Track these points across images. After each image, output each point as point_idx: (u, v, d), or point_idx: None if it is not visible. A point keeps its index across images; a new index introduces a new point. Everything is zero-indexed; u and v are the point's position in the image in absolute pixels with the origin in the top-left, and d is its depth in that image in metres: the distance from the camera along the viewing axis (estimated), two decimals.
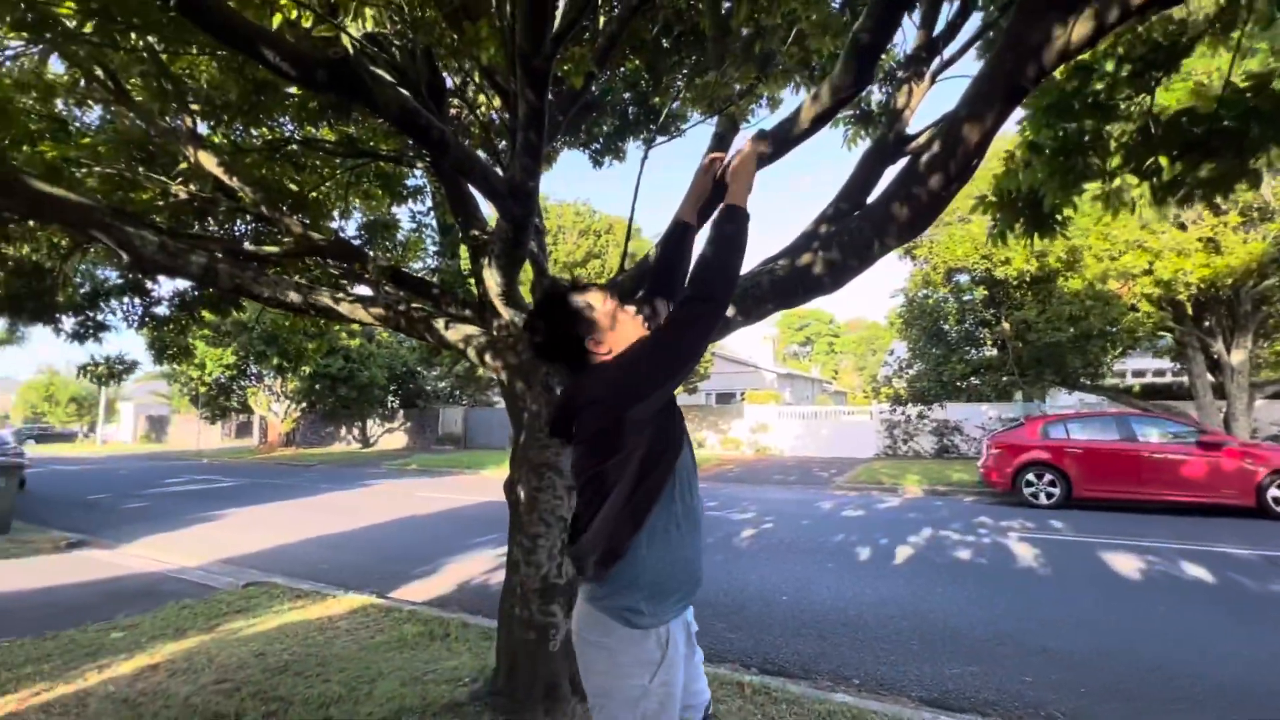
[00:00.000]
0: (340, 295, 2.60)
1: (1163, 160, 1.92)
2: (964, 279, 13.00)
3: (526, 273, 3.11)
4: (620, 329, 1.46)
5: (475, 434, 27.58)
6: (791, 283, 2.38)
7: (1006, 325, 11.96)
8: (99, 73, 3.12)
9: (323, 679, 3.25)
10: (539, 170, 2.08)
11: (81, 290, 4.55)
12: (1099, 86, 1.92)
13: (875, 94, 3.58)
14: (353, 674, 3.30)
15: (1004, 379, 12.70)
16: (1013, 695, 3.29)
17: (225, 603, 4.89)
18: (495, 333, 2.88)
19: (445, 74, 3.35)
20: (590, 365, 1.45)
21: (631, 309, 1.56)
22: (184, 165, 3.15)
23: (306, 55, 1.50)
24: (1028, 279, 11.32)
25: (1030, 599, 4.91)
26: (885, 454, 18.10)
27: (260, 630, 4.14)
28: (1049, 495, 9.07)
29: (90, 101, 3.59)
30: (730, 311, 2.50)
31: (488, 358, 2.80)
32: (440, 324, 2.76)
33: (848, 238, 2.22)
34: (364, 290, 3.56)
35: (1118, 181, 1.99)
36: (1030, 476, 9.23)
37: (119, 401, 43.89)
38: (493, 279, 2.40)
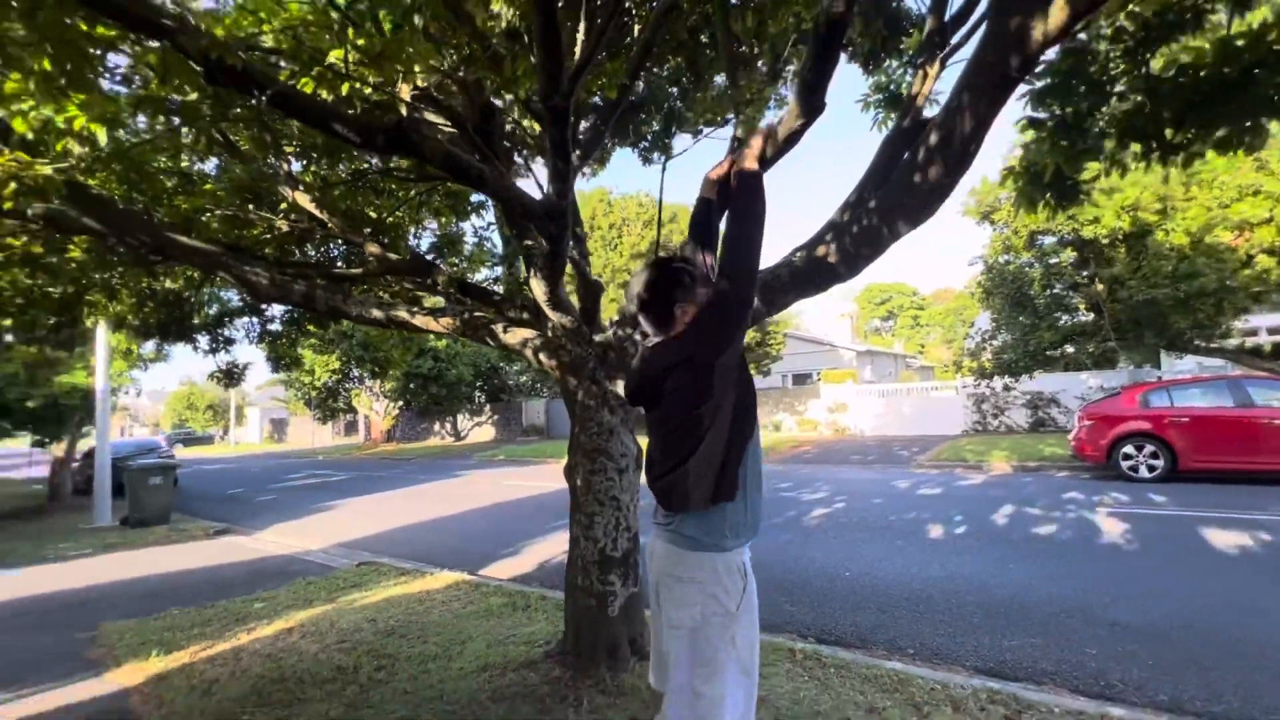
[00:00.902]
0: (415, 310, 3.03)
1: (1168, 130, 1.94)
2: (1048, 241, 12.13)
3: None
4: (698, 300, 1.71)
5: (557, 424, 28.68)
6: (808, 273, 2.55)
7: (1099, 286, 11.08)
8: (214, 133, 3.70)
9: (422, 641, 3.75)
10: (570, 192, 2.36)
11: (211, 313, 5.34)
12: (1093, 69, 1.95)
13: (908, 77, 3.59)
14: (447, 637, 3.78)
15: (1102, 345, 11.80)
16: (1073, 666, 3.29)
17: (343, 579, 5.61)
18: (550, 334, 3.21)
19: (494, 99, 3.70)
20: (672, 329, 1.71)
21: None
22: (284, 205, 3.69)
23: (368, 125, 1.85)
24: (1120, 236, 10.42)
25: (1109, 574, 4.74)
26: (974, 430, 17.27)
27: (371, 601, 4.76)
28: (1150, 468, 8.46)
29: (208, 155, 4.22)
30: (755, 304, 2.69)
31: (543, 357, 3.14)
32: (499, 329, 3.13)
33: (857, 229, 2.36)
34: (438, 302, 4.01)
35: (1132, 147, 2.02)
36: (1129, 449, 8.63)
37: (246, 407, 48.96)
38: (539, 288, 2.73)
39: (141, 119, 2.98)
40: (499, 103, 3.41)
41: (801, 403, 21.40)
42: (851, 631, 3.94)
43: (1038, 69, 1.97)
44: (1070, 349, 12.30)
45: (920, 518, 7.10)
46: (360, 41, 1.82)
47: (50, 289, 3.89)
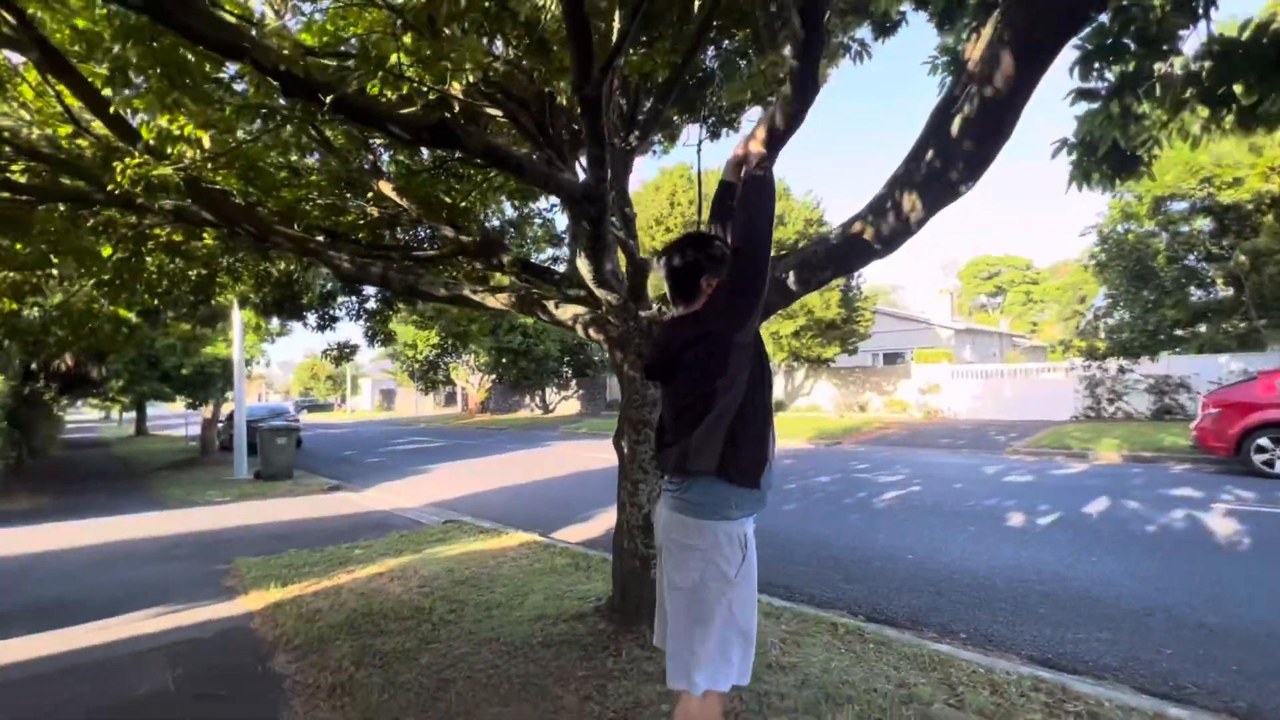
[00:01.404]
0: (477, 288, 3.30)
1: (1237, 88, 1.77)
2: (1178, 208, 10.71)
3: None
4: (723, 276, 1.79)
5: None
6: (844, 250, 2.54)
7: (1241, 258, 9.72)
8: (312, 131, 4.14)
9: (490, 590, 4.13)
10: (605, 176, 2.49)
11: (317, 293, 6.00)
12: (1143, 23, 1.79)
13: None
14: (512, 589, 4.14)
15: (1244, 325, 10.39)
16: (1141, 664, 3.11)
17: (430, 534, 6.19)
18: (601, 310, 3.39)
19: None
20: (693, 305, 1.80)
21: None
22: (371, 194, 4.09)
23: (415, 123, 2.07)
24: (1268, 201, 9.04)
25: (1210, 575, 4.34)
26: (1086, 415, 15.82)
27: (451, 554, 5.25)
28: None
29: (308, 151, 4.71)
30: (791, 280, 2.72)
31: (592, 331, 3.32)
32: (552, 305, 3.35)
33: (891, 204, 2.33)
34: (504, 280, 4.29)
35: (1185, 116, 1.86)
36: (1263, 441, 7.67)
37: (360, 378, 53.48)
38: (584, 267, 2.89)
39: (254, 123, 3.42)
40: (551, 91, 3.58)
41: (891, 383, 20.49)
42: (904, 612, 3.90)
43: (1083, 33, 1.85)
44: (1203, 328, 10.91)
45: (1001, 505, 6.74)
46: (407, 40, 2.03)
47: (189, 272, 4.55)
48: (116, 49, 1.88)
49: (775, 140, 2.40)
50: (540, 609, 3.70)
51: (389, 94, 2.35)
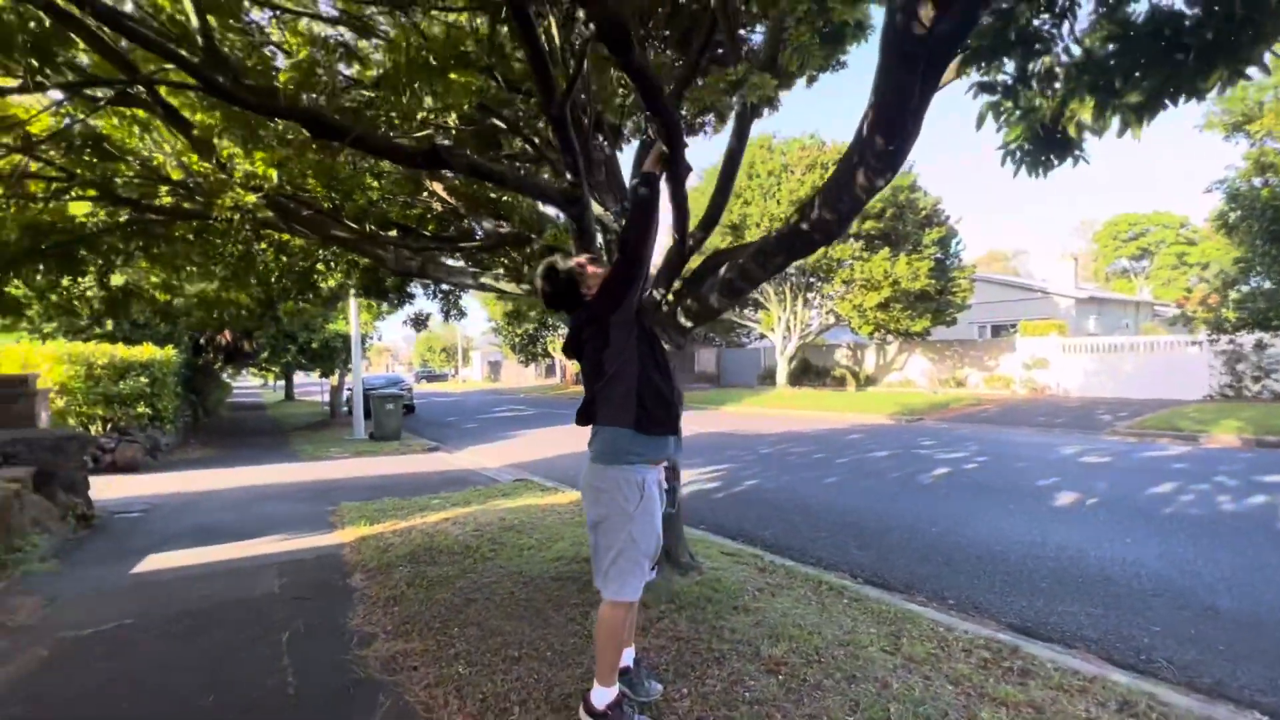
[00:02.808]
0: (500, 274, 3.86)
1: (1116, 83, 1.87)
2: None
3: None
4: (596, 277, 2.31)
5: (728, 372, 29.32)
6: (789, 238, 2.79)
7: None
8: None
9: (529, 536, 4.79)
10: (581, 180, 2.90)
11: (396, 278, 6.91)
12: (1021, 23, 1.90)
13: None
14: (546, 536, 4.77)
15: None
16: (1120, 638, 3.14)
17: (500, 490, 7.02)
18: None
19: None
20: (584, 302, 2.32)
21: (598, 265, 2.39)
22: (425, 194, 4.76)
23: (407, 151, 2.59)
24: None
25: (1253, 562, 4.09)
26: (1223, 395, 14.08)
27: (510, 507, 6.00)
28: None
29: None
30: (751, 268, 3.00)
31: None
32: None
33: (827, 198, 2.56)
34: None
35: (1074, 105, 1.96)
36: None
37: (470, 350, 57.56)
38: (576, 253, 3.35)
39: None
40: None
41: (992, 357, 19.19)
42: (902, 578, 4.07)
43: (968, 38, 1.98)
44: None
45: (1056, 484, 6.47)
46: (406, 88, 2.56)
47: (293, 267, 5.51)
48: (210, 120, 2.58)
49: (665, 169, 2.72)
50: (561, 553, 4.29)
51: (403, 125, 2.91)
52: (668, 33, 4.20)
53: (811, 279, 20.60)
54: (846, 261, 18.50)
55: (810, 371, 23.48)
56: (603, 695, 2.16)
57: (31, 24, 2.13)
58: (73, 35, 2.26)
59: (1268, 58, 1.77)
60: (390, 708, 2.46)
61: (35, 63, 2.15)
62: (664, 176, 2.39)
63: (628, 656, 2.39)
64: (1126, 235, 43.04)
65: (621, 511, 2.13)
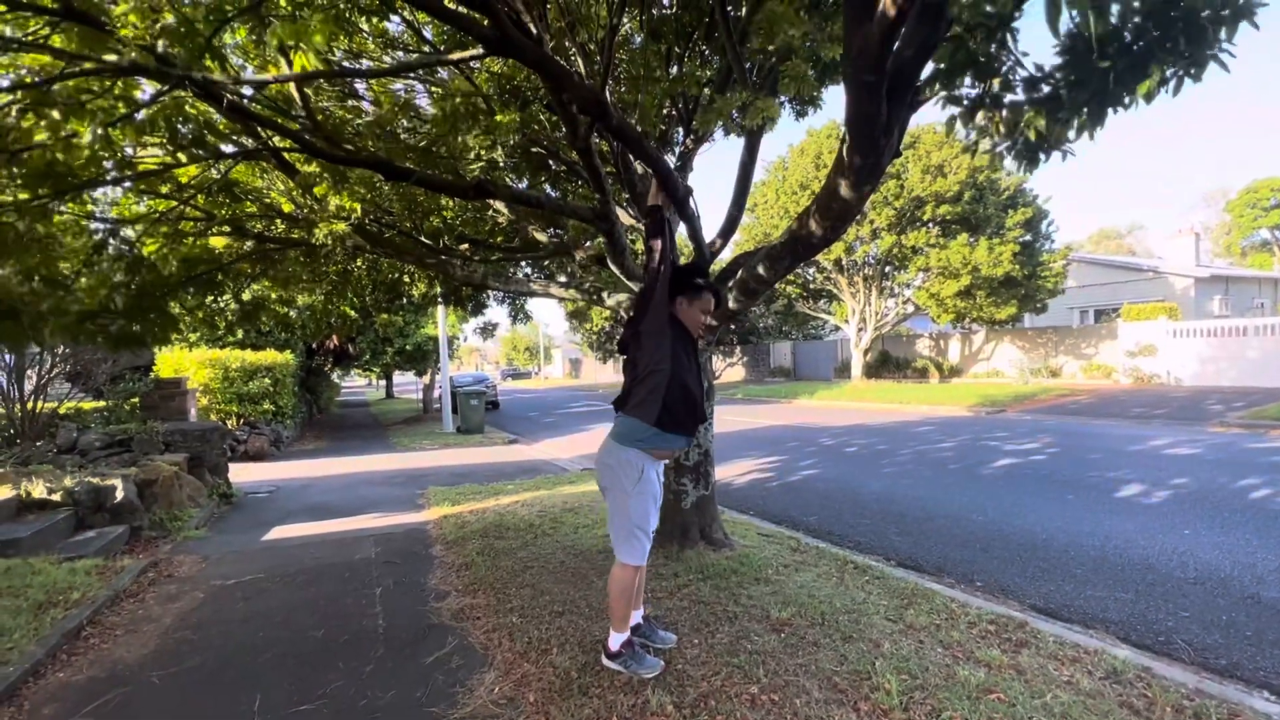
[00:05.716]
0: (546, 282, 4.35)
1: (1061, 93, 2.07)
2: None
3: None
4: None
5: (803, 366, 28.87)
6: (792, 243, 3.08)
7: None
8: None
9: (586, 516, 5.30)
10: (608, 200, 3.32)
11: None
12: (972, 48, 2.10)
13: None
14: (601, 516, 5.26)
15: None
16: (1144, 621, 3.19)
17: (566, 479, 7.62)
18: (633, 297, 4.24)
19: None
20: None
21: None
22: (491, 211, 5.36)
23: (461, 185, 3.11)
24: None
25: None
26: None
27: (572, 492, 6.56)
28: None
29: None
30: (762, 270, 3.31)
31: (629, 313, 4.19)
32: (605, 294, 4.28)
33: (814, 205, 2.84)
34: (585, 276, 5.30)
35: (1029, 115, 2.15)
36: None
37: (552, 349, 59.67)
38: (614, 265, 3.76)
39: None
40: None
41: (1091, 344, 17.85)
42: (933, 561, 4.21)
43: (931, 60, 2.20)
44: None
45: (1125, 476, 6.21)
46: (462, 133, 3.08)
47: (384, 280, 6.31)
48: (310, 169, 3.23)
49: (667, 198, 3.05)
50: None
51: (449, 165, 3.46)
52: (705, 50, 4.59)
53: (886, 268, 19.98)
54: (922, 249, 17.82)
55: (890, 363, 22.74)
56: (617, 639, 2.59)
57: (190, 109, 2.82)
58: (219, 117, 2.96)
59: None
60: (457, 645, 3.02)
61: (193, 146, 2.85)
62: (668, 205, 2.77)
63: (636, 616, 2.79)
64: (1269, 203, 38.09)
65: (621, 488, 2.53)
